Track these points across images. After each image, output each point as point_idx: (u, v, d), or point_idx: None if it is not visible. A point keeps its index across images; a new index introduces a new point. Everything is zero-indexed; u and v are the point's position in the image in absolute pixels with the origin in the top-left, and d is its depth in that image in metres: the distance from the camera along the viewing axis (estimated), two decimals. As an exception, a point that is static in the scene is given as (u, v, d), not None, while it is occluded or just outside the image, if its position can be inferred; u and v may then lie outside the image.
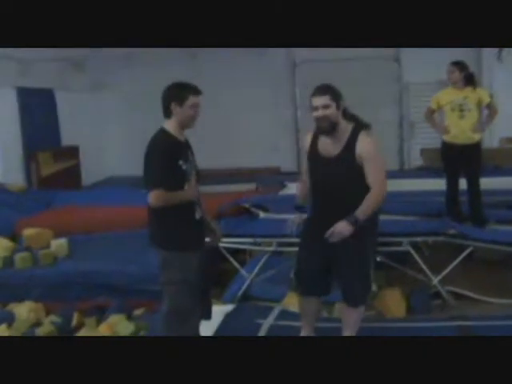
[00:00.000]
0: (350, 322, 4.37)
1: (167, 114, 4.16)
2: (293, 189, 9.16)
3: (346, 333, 4.37)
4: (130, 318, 5.96)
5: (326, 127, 4.03)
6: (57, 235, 7.41)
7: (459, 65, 6.57)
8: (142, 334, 5.53)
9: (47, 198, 9.78)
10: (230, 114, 12.59)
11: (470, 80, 6.57)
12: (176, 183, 4.08)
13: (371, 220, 4.07)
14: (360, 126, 4.09)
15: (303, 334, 4.52)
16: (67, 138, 12.27)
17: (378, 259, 5.88)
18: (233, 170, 12.23)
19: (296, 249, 6.19)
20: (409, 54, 11.85)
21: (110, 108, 13.23)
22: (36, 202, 9.47)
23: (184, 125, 4.17)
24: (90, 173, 12.48)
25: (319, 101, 4.00)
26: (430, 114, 6.82)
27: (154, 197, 4.01)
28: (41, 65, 11.47)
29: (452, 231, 5.95)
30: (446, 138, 6.64)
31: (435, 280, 5.82)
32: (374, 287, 4.16)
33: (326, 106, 3.98)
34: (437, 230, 6.11)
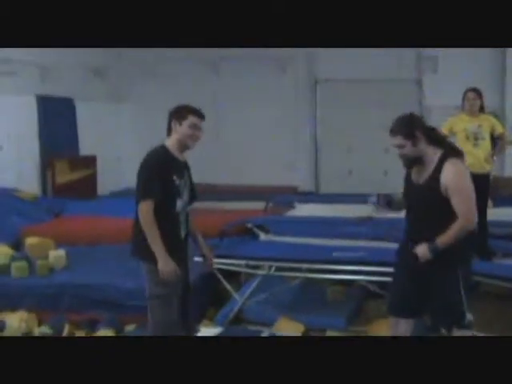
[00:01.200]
0: None
1: (168, 131, 4.28)
2: (301, 210, 9.12)
3: None
4: (120, 333, 5.89)
5: (407, 163, 4.11)
6: (61, 245, 7.38)
7: (479, 92, 6.42)
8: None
9: (58, 207, 9.79)
10: (250, 131, 12.54)
11: (482, 108, 6.42)
12: (167, 196, 4.14)
13: (464, 253, 4.07)
14: (448, 152, 4.05)
15: None
16: (85, 148, 12.30)
17: (371, 289, 5.74)
18: (250, 187, 12.08)
19: (291, 273, 6.18)
20: (431, 77, 11.69)
21: (129, 119, 13.27)
22: (46, 211, 9.49)
23: (182, 144, 4.26)
24: (107, 183, 12.48)
25: (393, 141, 4.04)
26: None
27: (142, 207, 4.08)
28: (62, 72, 11.54)
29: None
30: None
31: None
32: (469, 316, 4.10)
33: (400, 146, 4.02)
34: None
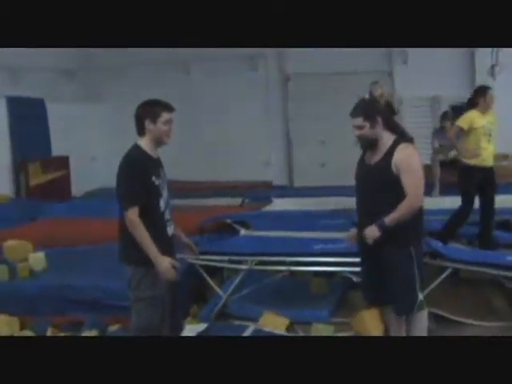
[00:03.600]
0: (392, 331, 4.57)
1: (141, 131, 4.21)
2: (279, 205, 9.19)
3: None
4: (104, 334, 5.86)
5: (363, 144, 4.30)
6: (40, 247, 7.33)
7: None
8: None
9: (33, 209, 9.70)
10: (223, 128, 12.57)
11: None
12: (150, 199, 4.13)
13: (415, 230, 4.27)
14: (402, 138, 4.27)
15: None
16: (58, 149, 12.21)
17: (355, 279, 5.78)
18: (225, 184, 12.12)
19: (274, 267, 6.22)
20: (402, 69, 11.83)
21: (102, 119, 13.20)
22: (21, 213, 9.41)
23: (158, 141, 4.24)
24: (82, 184, 12.40)
25: (353, 122, 4.24)
26: (456, 134, 6.75)
27: (129, 215, 4.05)
28: (32, 74, 11.45)
29: (431, 251, 5.84)
30: (475, 161, 6.56)
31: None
32: (420, 296, 4.34)
33: (359, 127, 4.20)
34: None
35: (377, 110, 4.27)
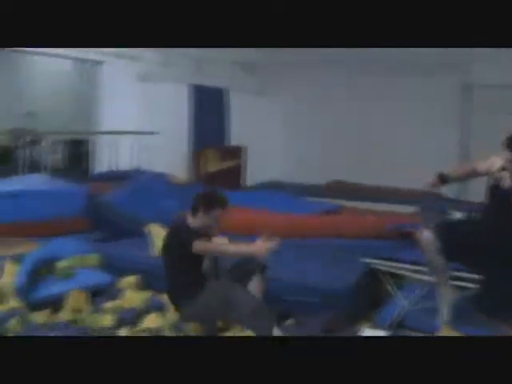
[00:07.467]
0: None
1: (194, 212, 4.85)
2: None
3: None
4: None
5: None
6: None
7: None
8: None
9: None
10: (394, 132, 12.35)
11: None
12: None
13: None
14: None
15: None
16: (234, 138, 12.55)
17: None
18: (391, 190, 11.95)
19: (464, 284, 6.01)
20: None
21: (278, 112, 13.36)
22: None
23: (204, 228, 4.86)
24: (253, 175, 12.66)
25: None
26: None
27: (198, 246, 4.67)
28: (215, 65, 11.78)
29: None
30: None
31: None
32: None
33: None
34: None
35: None
